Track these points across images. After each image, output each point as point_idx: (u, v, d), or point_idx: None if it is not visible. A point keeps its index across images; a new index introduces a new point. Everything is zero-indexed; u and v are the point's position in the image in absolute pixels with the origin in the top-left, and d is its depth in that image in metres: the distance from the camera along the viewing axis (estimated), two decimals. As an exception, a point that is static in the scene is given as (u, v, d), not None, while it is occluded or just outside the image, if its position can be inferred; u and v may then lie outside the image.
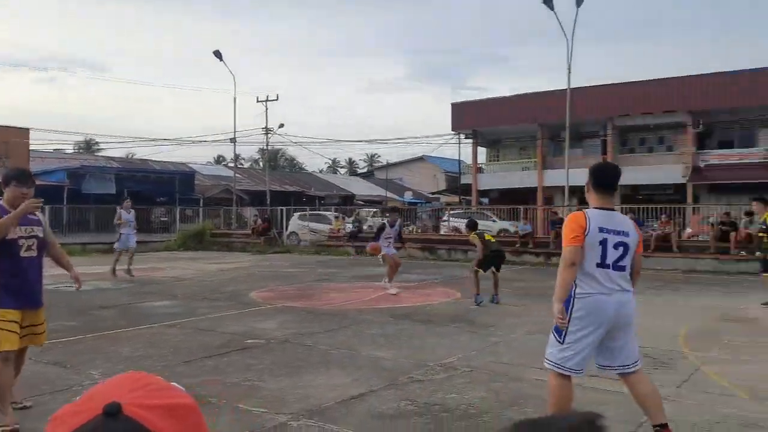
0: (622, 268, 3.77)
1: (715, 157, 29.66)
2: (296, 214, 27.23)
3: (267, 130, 34.82)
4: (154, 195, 33.71)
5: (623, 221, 3.88)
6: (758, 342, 7.15)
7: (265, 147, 37.63)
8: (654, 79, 30.15)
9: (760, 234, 9.81)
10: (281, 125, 37.50)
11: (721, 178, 28.19)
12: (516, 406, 4.75)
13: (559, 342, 3.83)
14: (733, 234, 16.13)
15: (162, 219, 31.02)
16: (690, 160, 29.56)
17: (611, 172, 3.94)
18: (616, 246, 3.73)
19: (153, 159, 43.49)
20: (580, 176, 26.00)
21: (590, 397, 4.95)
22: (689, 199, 27.77)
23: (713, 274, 15.45)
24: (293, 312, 9.33)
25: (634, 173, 31.04)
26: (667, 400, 4.86)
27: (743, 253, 15.87)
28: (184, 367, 5.94)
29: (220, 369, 5.86)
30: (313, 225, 26.12)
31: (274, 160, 61.46)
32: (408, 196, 49.64)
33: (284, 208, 28.25)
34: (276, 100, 34.03)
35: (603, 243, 3.71)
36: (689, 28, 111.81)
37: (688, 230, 19.65)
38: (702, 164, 29.61)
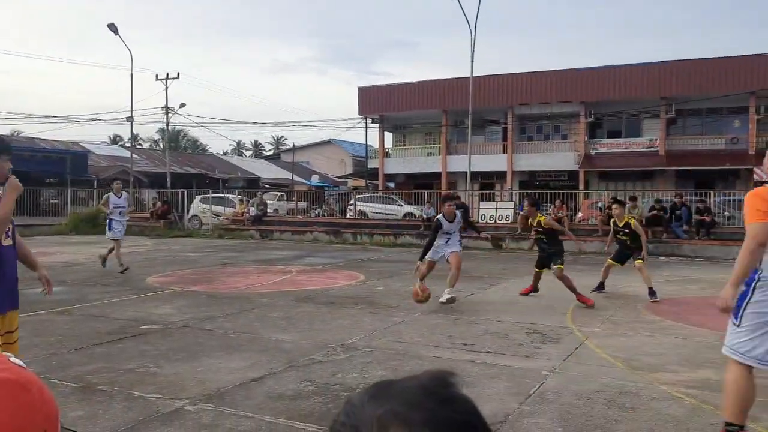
0: None
1: (605, 145, 31.49)
2: (198, 197, 26.41)
3: (167, 109, 33.46)
4: (43, 175, 31.61)
5: None
6: (635, 318, 7.73)
7: (165, 127, 36.15)
8: (551, 71, 31.53)
9: (623, 237, 9.19)
10: (182, 104, 36.12)
11: (610, 165, 30.02)
12: (413, 383, 4.89)
13: (735, 324, 3.41)
14: (618, 218, 17.21)
15: (52, 201, 29.15)
16: (582, 148, 31.23)
17: None
18: None
19: (42, 137, 40.69)
20: (482, 162, 27.01)
21: (482, 371, 5.19)
22: (581, 185, 29.36)
23: (600, 255, 16.45)
24: (193, 296, 9.09)
25: (531, 160, 32.56)
26: (554, 372, 5.18)
27: (627, 235, 17.00)
28: (73, 354, 5.67)
29: (113, 356, 5.64)
30: (216, 208, 25.46)
31: (175, 140, 59.14)
32: (315, 180, 49.37)
33: (186, 190, 27.33)
34: (177, 78, 32.70)
35: None
36: (585, 25, 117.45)
37: (580, 214, 20.81)
38: (593, 152, 31.35)
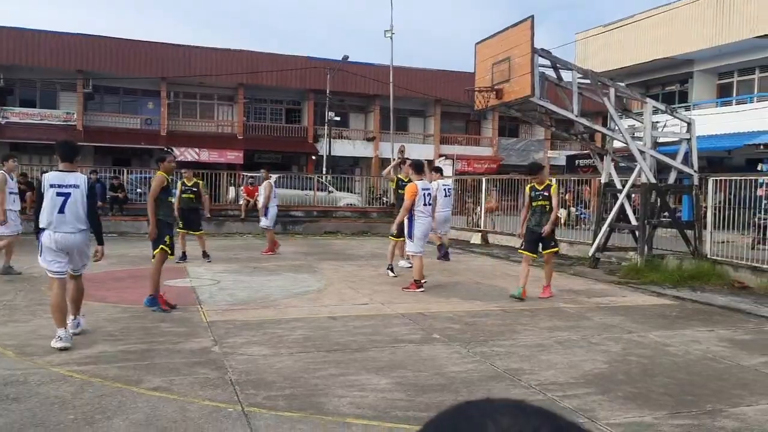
0: None
1: (17, 114, 28.87)
2: None
3: None
4: None
5: None
6: (38, 301, 7.37)
7: None
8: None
9: None
10: None
11: (24, 136, 27.73)
12: None
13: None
14: None
15: None
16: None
17: None
18: None
19: None
20: None
21: None
22: (-11, 156, 26.17)
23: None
24: None
25: None
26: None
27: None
28: None
29: None
30: None
31: None
32: None
33: None
34: None
35: None
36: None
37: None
38: (3, 121, 28.33)
